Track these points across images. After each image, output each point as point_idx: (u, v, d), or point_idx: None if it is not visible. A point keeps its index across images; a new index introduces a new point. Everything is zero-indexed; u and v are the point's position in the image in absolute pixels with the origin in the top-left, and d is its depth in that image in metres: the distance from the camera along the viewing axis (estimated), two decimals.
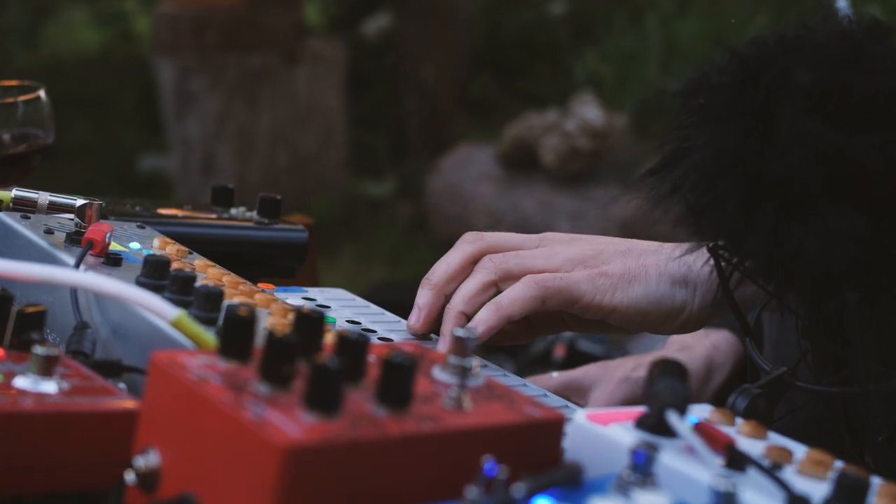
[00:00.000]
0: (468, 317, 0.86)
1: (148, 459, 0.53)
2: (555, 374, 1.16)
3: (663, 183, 0.70)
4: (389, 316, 0.92)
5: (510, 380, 0.83)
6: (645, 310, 0.87)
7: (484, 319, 0.83)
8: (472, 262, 0.89)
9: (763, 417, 0.72)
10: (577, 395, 1.14)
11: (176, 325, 0.60)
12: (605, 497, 0.47)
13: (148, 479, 0.53)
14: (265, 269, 0.99)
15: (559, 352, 2.24)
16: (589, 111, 3.77)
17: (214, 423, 0.50)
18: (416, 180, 4.55)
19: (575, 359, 1.75)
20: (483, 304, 0.88)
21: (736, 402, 0.72)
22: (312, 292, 0.94)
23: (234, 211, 1.04)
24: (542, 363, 1.84)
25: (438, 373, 0.59)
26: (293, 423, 0.49)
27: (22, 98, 1.08)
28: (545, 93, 4.50)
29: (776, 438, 0.63)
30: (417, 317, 0.88)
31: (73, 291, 0.73)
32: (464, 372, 0.57)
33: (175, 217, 0.97)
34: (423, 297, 0.88)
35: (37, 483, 0.57)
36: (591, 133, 3.77)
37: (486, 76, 5.07)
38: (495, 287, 0.87)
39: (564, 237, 0.92)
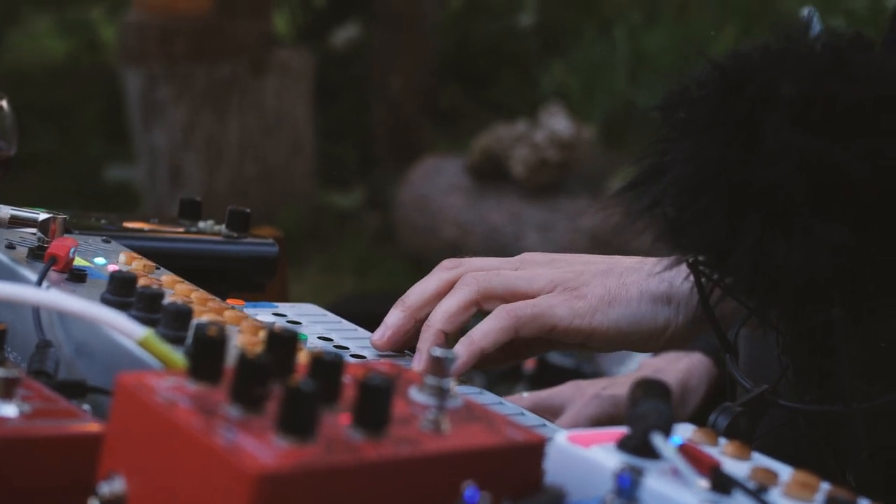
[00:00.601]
0: (447, 336, 0.85)
1: (113, 486, 0.51)
2: (525, 395, 1.15)
3: (643, 198, 0.69)
4: (361, 332, 0.90)
5: (486, 397, 0.82)
6: (626, 331, 0.86)
7: (457, 355, 0.82)
8: (450, 288, 0.87)
9: (744, 436, 0.71)
10: (548, 414, 1.12)
11: (143, 345, 0.57)
12: None
13: None
14: (234, 284, 0.97)
15: (529, 364, 2.22)
16: (557, 122, 3.77)
17: (183, 449, 0.48)
18: (384, 191, 4.53)
19: (545, 372, 1.73)
20: (463, 323, 0.86)
21: (717, 420, 0.71)
22: (283, 308, 0.92)
23: (202, 224, 1.02)
24: (512, 376, 1.82)
25: (416, 394, 0.57)
26: (266, 449, 0.47)
27: None
28: (513, 103, 4.50)
29: (760, 459, 0.62)
30: (382, 334, 0.86)
31: (36, 309, 0.70)
32: (442, 393, 0.55)
33: (141, 231, 0.94)
34: (393, 317, 0.86)
35: None
36: (560, 144, 3.77)
37: (455, 87, 5.07)
38: (476, 306, 0.86)
39: (544, 258, 0.91)
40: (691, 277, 0.74)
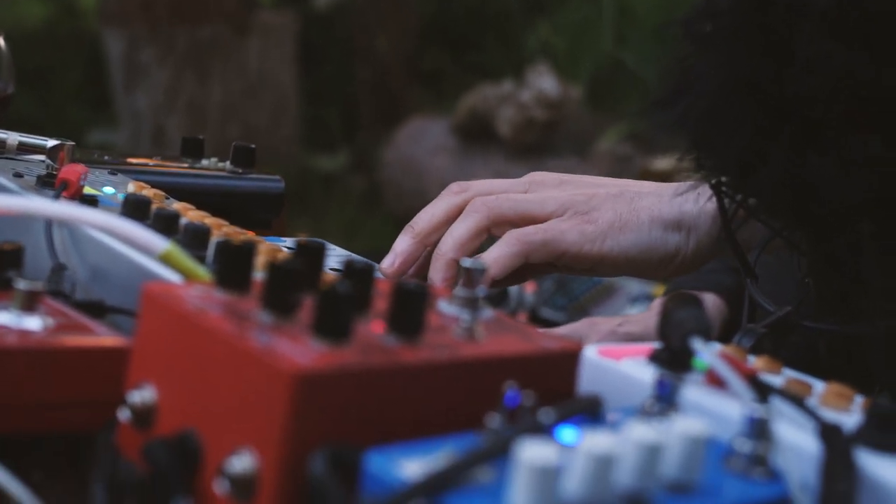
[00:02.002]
0: (457, 263, 0.84)
1: (143, 395, 0.50)
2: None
3: (667, 115, 0.68)
4: (373, 264, 0.89)
5: None
6: (635, 257, 0.85)
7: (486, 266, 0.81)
8: (459, 213, 0.86)
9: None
10: None
11: (166, 258, 0.56)
12: (640, 421, 0.44)
13: (143, 416, 0.50)
14: (241, 220, 0.96)
15: (522, 318, 2.22)
16: (544, 82, 3.75)
17: (216, 354, 0.47)
18: (369, 153, 4.50)
19: (537, 326, 1.73)
20: (474, 249, 0.85)
21: (741, 342, 0.70)
22: (290, 241, 0.90)
23: (205, 161, 1.00)
24: None
25: (446, 306, 0.56)
26: (303, 350, 0.46)
27: None
28: (497, 65, 4.47)
29: (792, 373, 0.61)
30: (392, 261, 0.85)
31: (49, 232, 0.69)
32: (474, 303, 0.54)
33: (146, 165, 0.93)
34: (403, 244, 0.85)
35: (22, 423, 0.53)
36: (547, 104, 3.75)
37: (439, 48, 5.04)
38: (487, 232, 0.84)
39: (553, 179, 0.89)
40: (702, 202, 0.73)
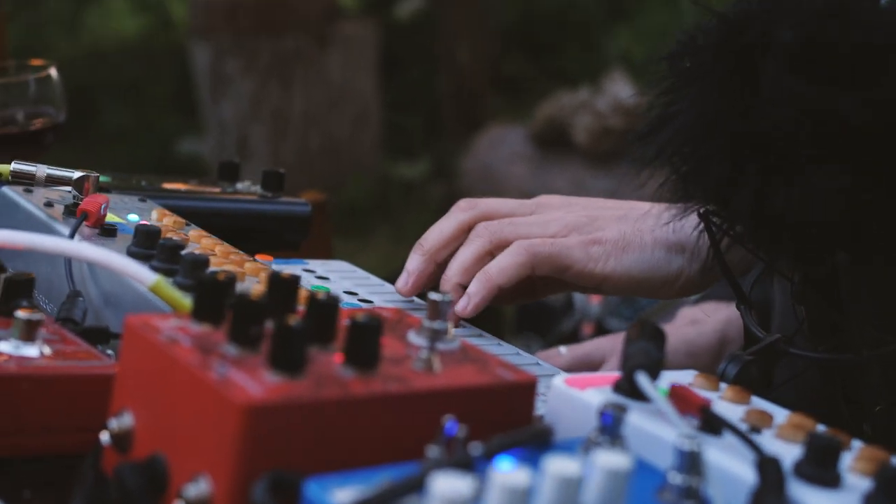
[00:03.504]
0: (464, 288, 0.86)
1: (122, 421, 0.54)
2: (563, 350, 1.16)
3: (649, 148, 0.70)
4: (388, 287, 0.92)
5: (522, 358, 0.83)
6: (638, 277, 0.87)
7: (475, 292, 0.83)
8: (466, 230, 0.88)
9: (756, 385, 0.71)
10: (590, 370, 1.13)
11: (154, 290, 0.60)
12: (563, 455, 0.47)
13: (121, 441, 0.54)
14: (269, 243, 1.00)
15: (587, 330, 2.24)
16: (621, 89, 3.75)
17: (181, 384, 0.51)
18: (449, 161, 4.54)
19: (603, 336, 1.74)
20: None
21: (727, 368, 0.72)
22: (313, 264, 0.94)
23: (239, 185, 1.04)
24: (571, 342, 1.83)
25: (413, 336, 0.59)
26: (256, 383, 0.49)
27: (34, 76, 1.09)
28: (576, 71, 4.47)
29: (759, 403, 0.63)
30: (406, 281, 0.88)
31: (68, 262, 0.73)
32: (435, 334, 0.57)
33: (178, 191, 0.97)
34: (414, 262, 0.88)
35: (21, 446, 0.58)
36: (623, 111, 3.74)
37: (518, 55, 5.05)
38: (490, 256, 0.87)
39: (560, 201, 0.91)
40: (701, 227, 0.75)
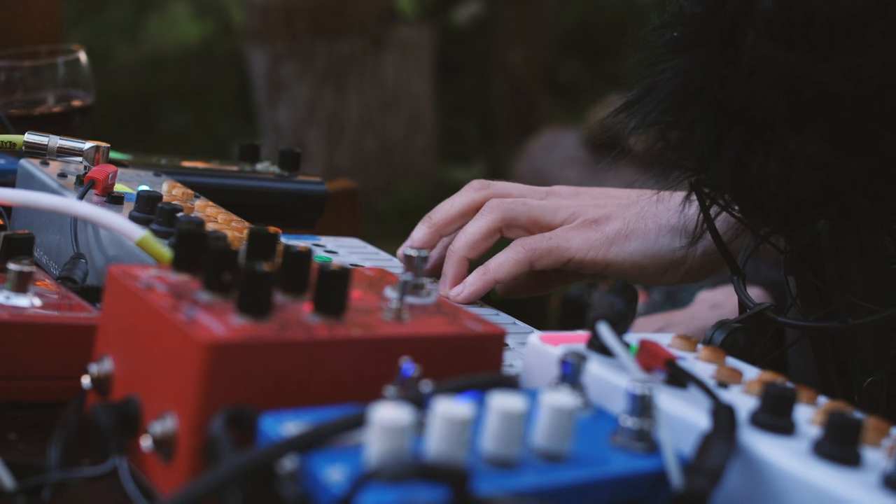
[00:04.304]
0: (470, 261, 0.88)
1: (101, 366, 0.56)
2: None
3: (635, 115, 0.71)
4: (396, 262, 0.93)
5: (501, 318, 0.84)
6: (641, 263, 0.88)
7: (470, 282, 0.85)
8: (477, 209, 0.90)
9: (743, 353, 0.72)
10: None
11: (141, 244, 0.62)
12: (508, 394, 0.48)
13: (101, 384, 0.56)
14: (284, 220, 1.02)
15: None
16: None
17: (154, 327, 0.53)
18: (503, 165, 4.56)
19: None
20: (485, 249, 0.89)
21: (714, 335, 0.72)
22: (325, 240, 0.96)
23: (258, 166, 1.07)
24: None
25: (389, 291, 0.60)
26: (220, 324, 0.51)
27: (63, 59, 1.13)
28: (631, 76, 4.46)
29: (733, 363, 0.63)
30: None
31: (73, 226, 0.76)
32: (405, 287, 0.58)
33: (195, 168, 1.00)
34: (419, 233, 0.89)
35: (9, 390, 0.60)
36: None
37: (574, 61, 5.06)
38: (499, 233, 0.88)
39: (571, 191, 0.92)
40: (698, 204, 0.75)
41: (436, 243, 0.89)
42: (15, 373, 0.59)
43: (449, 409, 0.44)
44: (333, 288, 0.54)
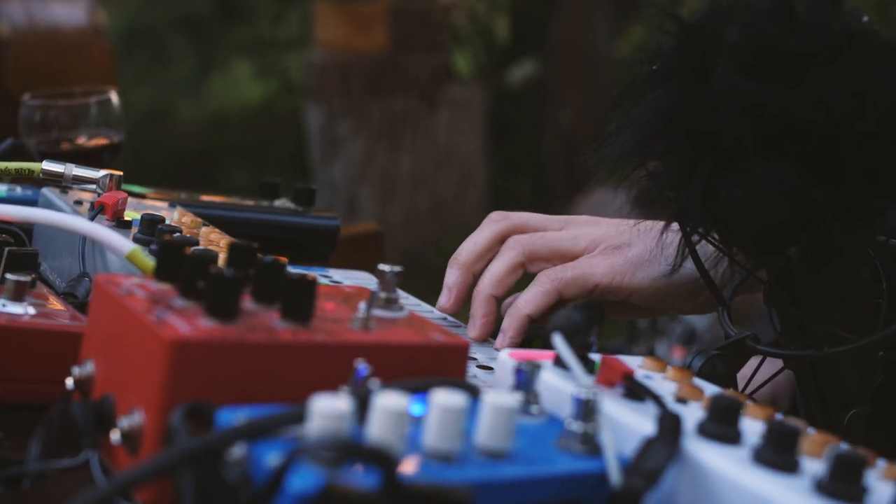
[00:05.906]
0: (498, 299, 0.89)
1: (84, 368, 0.59)
2: None
3: (613, 147, 0.73)
4: (412, 300, 0.95)
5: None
6: (663, 290, 0.88)
7: (507, 327, 0.87)
8: (500, 241, 0.91)
9: (721, 380, 0.73)
10: None
11: (130, 257, 0.65)
12: (448, 390, 0.50)
13: (83, 386, 0.59)
14: (299, 254, 1.05)
15: (676, 354, 2.30)
16: None
17: (129, 329, 0.56)
18: None
19: None
20: (510, 285, 0.90)
21: (692, 362, 0.74)
22: (332, 271, 0.99)
23: (276, 202, 1.10)
24: None
25: (362, 305, 0.63)
26: (187, 325, 0.54)
27: (95, 100, 1.18)
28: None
29: (699, 383, 0.65)
30: (448, 297, 0.91)
31: (81, 246, 0.80)
32: (374, 299, 0.61)
33: (212, 202, 1.03)
34: (452, 277, 0.91)
35: (1, 392, 0.63)
36: None
37: None
38: (523, 268, 0.89)
39: (589, 219, 0.94)
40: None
41: (470, 283, 0.90)
42: (8, 374, 0.63)
43: (388, 399, 0.47)
44: (300, 295, 0.57)
